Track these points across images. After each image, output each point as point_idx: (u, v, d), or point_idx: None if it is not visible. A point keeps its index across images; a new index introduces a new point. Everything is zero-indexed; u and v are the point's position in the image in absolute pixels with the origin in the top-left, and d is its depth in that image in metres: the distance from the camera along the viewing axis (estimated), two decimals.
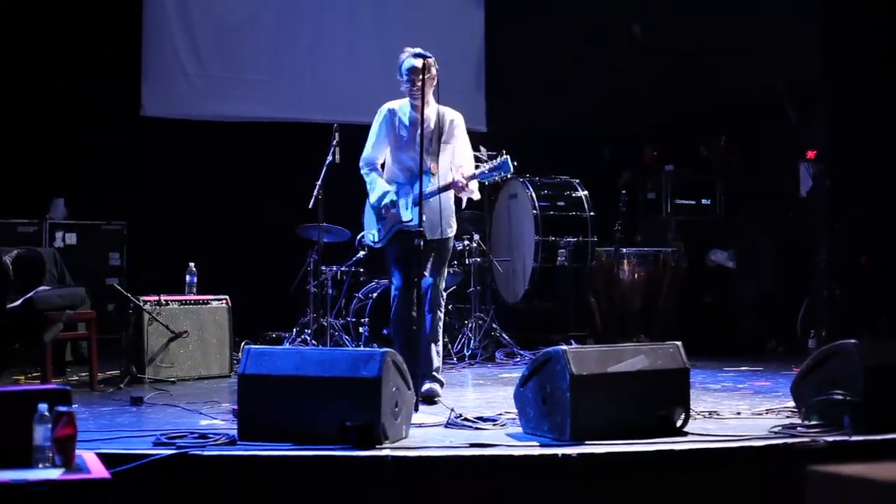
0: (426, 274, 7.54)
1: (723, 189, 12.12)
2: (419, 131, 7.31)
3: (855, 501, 3.12)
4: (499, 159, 7.42)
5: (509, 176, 7.54)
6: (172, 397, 7.59)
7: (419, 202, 7.19)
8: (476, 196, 7.68)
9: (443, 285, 7.83)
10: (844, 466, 3.21)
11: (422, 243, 7.07)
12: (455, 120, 7.71)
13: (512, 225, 11.35)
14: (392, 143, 7.76)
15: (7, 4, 10.98)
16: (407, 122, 7.64)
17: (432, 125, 7.58)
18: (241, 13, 12.11)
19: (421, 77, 7.37)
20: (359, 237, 8.06)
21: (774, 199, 11.55)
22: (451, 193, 7.67)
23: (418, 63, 7.41)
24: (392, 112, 7.75)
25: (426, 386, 7.49)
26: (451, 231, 7.82)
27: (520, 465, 5.32)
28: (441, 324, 7.78)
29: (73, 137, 11.18)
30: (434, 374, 7.66)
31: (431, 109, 7.58)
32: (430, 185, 7.46)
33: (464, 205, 7.91)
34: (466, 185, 7.47)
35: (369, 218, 7.89)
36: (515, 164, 7.43)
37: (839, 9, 10.72)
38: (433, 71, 7.48)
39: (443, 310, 7.84)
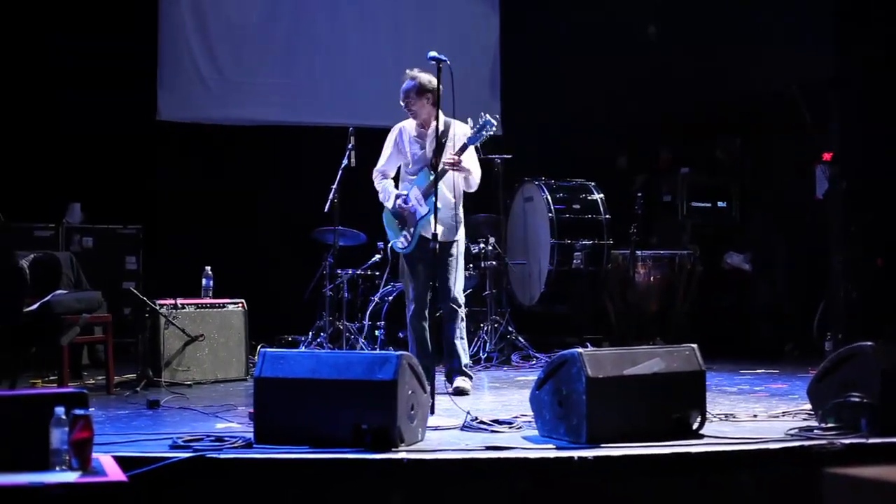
0: (443, 276, 7.93)
1: (738, 192, 12.10)
2: (426, 146, 7.88)
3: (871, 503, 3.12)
4: (480, 120, 7.71)
5: (494, 131, 7.77)
6: (189, 401, 7.60)
7: (431, 193, 7.54)
8: (475, 171, 7.97)
9: (460, 286, 8.08)
10: (861, 469, 3.21)
11: (437, 247, 7.25)
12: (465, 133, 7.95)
13: (527, 228, 11.33)
14: (402, 160, 8.17)
15: (25, 11, 11.02)
16: (414, 138, 8.09)
17: (436, 136, 7.82)
18: (256, 17, 12.13)
19: (408, 98, 7.91)
20: (390, 245, 8.33)
21: (790, 202, 11.52)
22: (455, 199, 7.96)
23: (406, 84, 7.95)
24: (402, 131, 8.18)
25: (456, 382, 8.00)
26: (458, 234, 8.08)
27: (536, 467, 5.30)
28: (463, 323, 8.10)
29: (89, 142, 11.20)
30: (464, 368, 8.09)
31: (441, 121, 7.74)
32: (430, 180, 7.78)
33: (468, 183, 8.02)
34: (458, 163, 7.77)
35: (390, 229, 8.24)
36: (497, 117, 7.72)
37: (853, 10, 10.69)
38: (428, 86, 7.84)
39: (462, 309, 8.10)
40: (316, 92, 12.18)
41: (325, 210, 9.44)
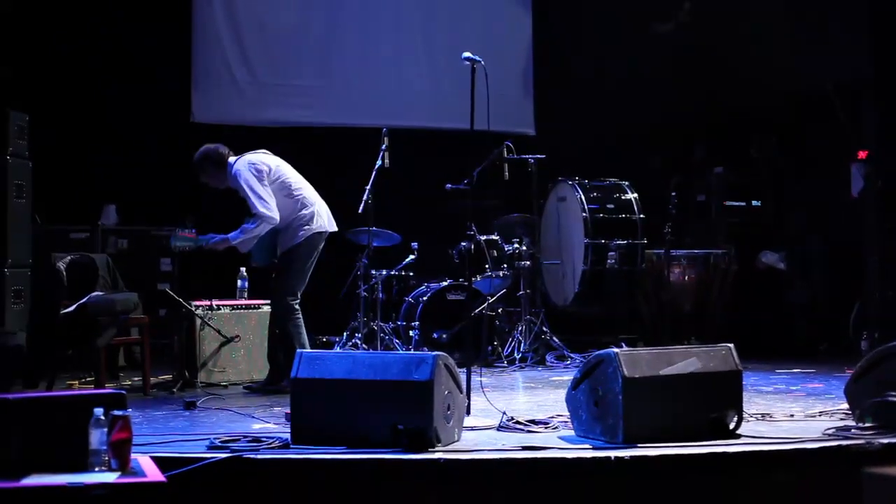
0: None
1: (773, 190, 12.04)
2: None
3: None
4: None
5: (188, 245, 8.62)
6: (225, 401, 7.65)
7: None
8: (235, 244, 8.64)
9: (282, 298, 8.32)
10: None
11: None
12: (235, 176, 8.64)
13: (561, 228, 11.31)
14: None
15: (61, 15, 11.08)
16: None
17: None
18: (290, 19, 12.16)
19: (206, 182, 8.86)
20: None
21: (825, 201, 11.46)
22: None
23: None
24: None
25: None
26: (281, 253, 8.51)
27: (572, 467, 5.31)
28: (289, 336, 8.21)
29: (124, 144, 11.25)
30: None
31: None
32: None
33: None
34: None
35: None
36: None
37: (889, 8, 10.63)
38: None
39: (287, 321, 8.27)
40: (349, 93, 12.20)
41: (360, 211, 9.46)
